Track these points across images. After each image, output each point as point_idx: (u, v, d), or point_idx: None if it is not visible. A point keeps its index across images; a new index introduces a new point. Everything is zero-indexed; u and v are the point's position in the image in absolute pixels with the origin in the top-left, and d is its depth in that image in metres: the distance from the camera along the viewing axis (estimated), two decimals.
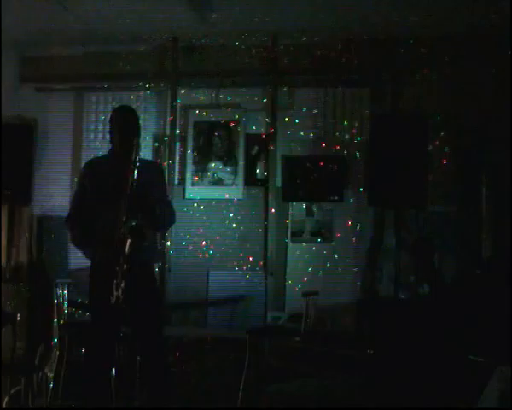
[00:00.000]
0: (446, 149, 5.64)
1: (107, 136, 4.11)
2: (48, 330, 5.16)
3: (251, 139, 6.09)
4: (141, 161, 3.91)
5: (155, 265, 4.42)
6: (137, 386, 4.69)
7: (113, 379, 4.28)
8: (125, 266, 3.67)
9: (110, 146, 4.08)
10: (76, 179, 4.26)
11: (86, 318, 4.86)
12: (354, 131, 5.88)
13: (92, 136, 6.31)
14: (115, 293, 3.65)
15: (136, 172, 3.76)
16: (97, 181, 3.99)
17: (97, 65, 6.24)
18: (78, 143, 6.33)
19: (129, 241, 3.68)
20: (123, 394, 4.57)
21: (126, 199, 3.72)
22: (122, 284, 3.66)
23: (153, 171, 4.23)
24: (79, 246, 4.20)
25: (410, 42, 5.67)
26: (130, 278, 3.70)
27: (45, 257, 6.16)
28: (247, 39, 5.95)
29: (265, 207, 5.95)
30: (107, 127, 4.14)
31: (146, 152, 6.06)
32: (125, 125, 4.01)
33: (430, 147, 5.40)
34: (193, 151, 6.15)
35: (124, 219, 3.70)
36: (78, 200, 4.08)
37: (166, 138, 6.16)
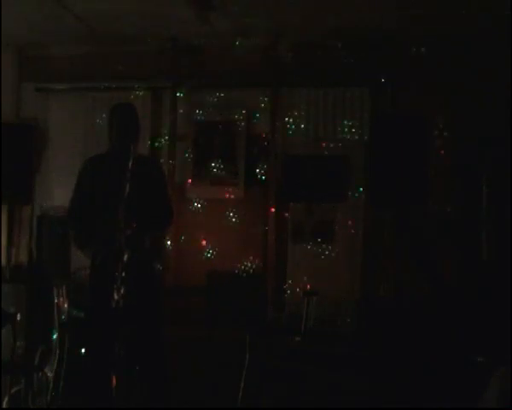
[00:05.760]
0: (446, 149, 5.64)
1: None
2: (48, 330, 5.15)
3: (251, 139, 6.09)
4: (139, 157, 3.88)
5: (157, 265, 4.39)
6: (137, 387, 4.67)
7: (112, 380, 4.26)
8: (123, 274, 3.63)
9: (109, 143, 4.07)
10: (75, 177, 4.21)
11: (86, 318, 4.85)
12: (354, 131, 5.87)
13: (92, 136, 6.29)
14: (115, 297, 3.62)
15: (134, 168, 3.72)
16: (96, 179, 3.97)
17: (97, 65, 6.24)
18: (78, 142, 6.32)
19: (126, 253, 3.63)
20: (122, 394, 4.56)
21: (124, 201, 3.66)
22: (121, 290, 3.62)
23: (152, 167, 4.21)
24: (79, 246, 4.18)
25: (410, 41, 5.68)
26: (130, 279, 3.67)
27: (45, 257, 6.15)
28: (248, 39, 5.94)
29: (266, 208, 5.96)
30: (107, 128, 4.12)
31: (146, 152, 6.05)
32: (124, 122, 3.98)
33: (430, 147, 5.40)
34: (193, 151, 6.14)
35: (121, 225, 3.65)
36: (77, 198, 4.06)
37: (167, 138, 6.18)
